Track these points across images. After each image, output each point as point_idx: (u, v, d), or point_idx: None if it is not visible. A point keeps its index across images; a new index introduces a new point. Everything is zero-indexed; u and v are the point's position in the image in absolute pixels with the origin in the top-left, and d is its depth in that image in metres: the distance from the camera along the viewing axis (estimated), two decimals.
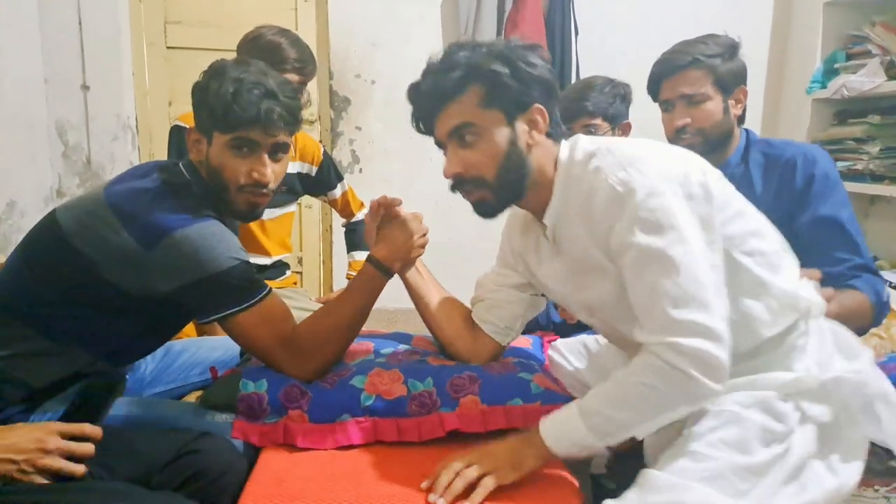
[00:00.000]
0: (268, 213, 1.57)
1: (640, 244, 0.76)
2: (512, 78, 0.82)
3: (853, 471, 0.80)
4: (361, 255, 1.69)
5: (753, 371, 0.82)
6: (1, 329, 0.90)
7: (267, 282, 1.20)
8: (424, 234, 1.05)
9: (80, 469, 0.75)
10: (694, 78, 1.19)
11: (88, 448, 0.75)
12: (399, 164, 2.44)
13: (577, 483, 0.86)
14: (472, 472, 0.78)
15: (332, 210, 1.92)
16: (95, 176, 2.25)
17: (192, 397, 1.11)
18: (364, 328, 1.02)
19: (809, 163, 1.18)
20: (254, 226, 1.57)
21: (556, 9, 2.34)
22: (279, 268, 1.68)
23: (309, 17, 2.40)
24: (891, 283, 1.73)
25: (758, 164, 1.23)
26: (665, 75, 1.22)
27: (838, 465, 0.79)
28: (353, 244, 1.77)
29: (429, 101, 0.87)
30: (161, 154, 2.16)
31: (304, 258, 2.53)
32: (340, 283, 2.40)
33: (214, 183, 0.95)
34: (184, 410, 0.99)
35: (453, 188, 0.89)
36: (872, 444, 0.83)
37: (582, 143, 0.87)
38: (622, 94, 1.53)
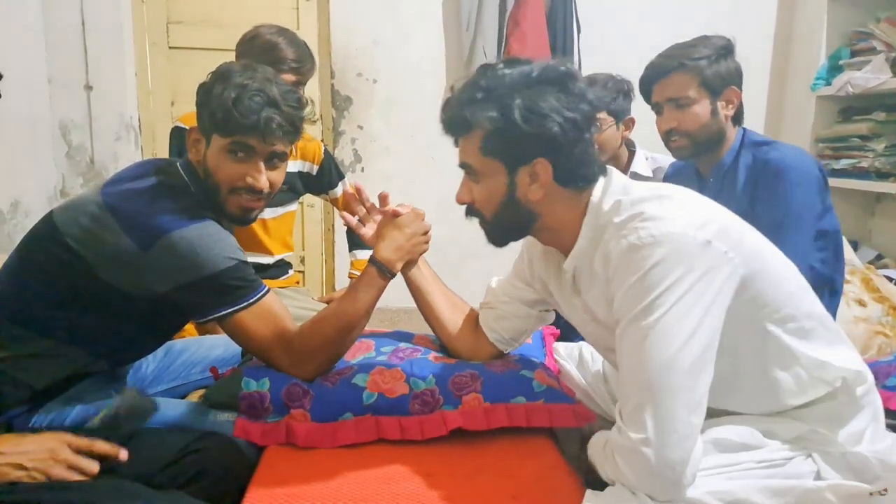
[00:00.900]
0: (269, 212, 1.57)
1: (629, 317, 0.72)
2: (510, 133, 0.78)
3: None
4: (363, 254, 1.69)
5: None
6: (0, 331, 0.90)
7: (269, 281, 1.20)
8: (426, 232, 1.04)
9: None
10: (680, 81, 1.20)
11: (93, 467, 0.76)
12: (401, 163, 2.44)
13: (579, 480, 0.85)
14: None
15: (334, 209, 1.92)
16: (98, 175, 2.25)
17: (194, 396, 1.11)
18: (366, 328, 1.01)
19: (781, 170, 1.18)
20: (255, 225, 1.56)
21: (558, 6, 2.33)
22: (281, 267, 1.68)
23: (310, 16, 2.39)
24: None
25: (745, 166, 1.24)
26: (654, 79, 1.24)
27: None
28: (354, 243, 1.77)
29: (447, 130, 0.85)
30: (163, 154, 2.17)
31: (307, 257, 2.53)
32: (342, 283, 2.40)
33: (207, 184, 0.96)
34: (186, 409, 0.99)
35: (466, 213, 0.88)
36: None
37: (613, 187, 0.81)
38: (625, 91, 1.55)
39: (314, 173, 1.65)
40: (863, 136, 2.11)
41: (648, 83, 1.26)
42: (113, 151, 2.27)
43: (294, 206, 1.69)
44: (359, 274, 1.01)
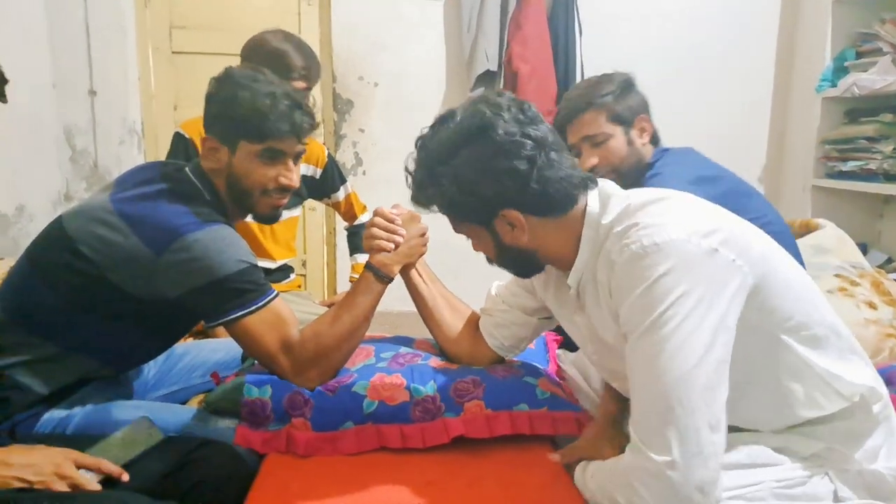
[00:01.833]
0: None
1: (639, 332, 0.69)
2: (460, 205, 0.78)
3: None
4: (364, 258, 1.68)
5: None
6: (7, 336, 0.90)
7: (272, 286, 1.18)
8: (424, 234, 1.04)
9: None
10: (590, 120, 1.23)
11: (95, 486, 0.77)
12: (402, 166, 2.43)
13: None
14: None
15: (336, 213, 1.92)
16: (102, 180, 2.26)
17: (194, 401, 1.10)
18: (367, 332, 1.01)
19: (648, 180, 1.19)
20: (261, 230, 1.57)
21: (560, 8, 2.33)
22: (284, 271, 1.68)
23: (312, 20, 2.40)
24: None
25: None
26: (566, 122, 1.27)
27: None
28: (355, 247, 1.76)
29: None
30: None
31: (308, 261, 2.53)
32: (344, 286, 2.39)
33: (235, 189, 0.98)
34: (187, 416, 0.98)
35: (488, 261, 0.89)
36: None
37: (607, 197, 0.79)
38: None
39: (317, 177, 1.65)
40: (870, 138, 2.09)
41: (561, 127, 1.27)
42: (116, 156, 2.28)
43: (298, 211, 1.69)
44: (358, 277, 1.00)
